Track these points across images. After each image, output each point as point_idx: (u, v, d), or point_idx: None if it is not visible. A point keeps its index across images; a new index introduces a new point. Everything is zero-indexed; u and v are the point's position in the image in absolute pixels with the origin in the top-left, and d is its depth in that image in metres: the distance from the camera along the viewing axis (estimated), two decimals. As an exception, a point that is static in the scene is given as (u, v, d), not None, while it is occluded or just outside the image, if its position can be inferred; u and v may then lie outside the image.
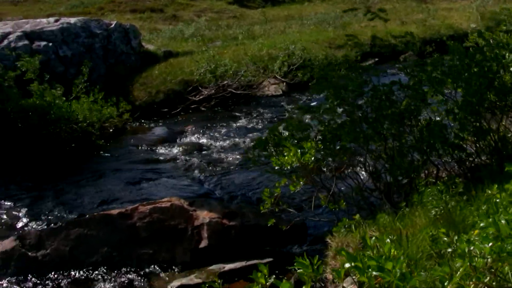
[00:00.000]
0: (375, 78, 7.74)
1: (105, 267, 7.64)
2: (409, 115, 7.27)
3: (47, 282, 7.46)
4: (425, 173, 7.37)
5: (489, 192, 5.12)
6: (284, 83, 17.47)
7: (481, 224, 3.58)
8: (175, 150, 12.55)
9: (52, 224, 8.90)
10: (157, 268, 7.65)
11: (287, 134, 7.39)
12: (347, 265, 3.13)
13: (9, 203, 9.90)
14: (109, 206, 9.54)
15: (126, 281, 7.43)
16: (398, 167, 6.96)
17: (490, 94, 7.19)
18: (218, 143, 12.89)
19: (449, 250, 3.72)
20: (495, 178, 5.95)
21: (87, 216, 8.53)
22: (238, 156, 11.84)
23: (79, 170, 11.62)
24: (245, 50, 18.95)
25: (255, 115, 15.12)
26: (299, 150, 6.64)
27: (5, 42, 14.99)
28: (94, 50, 16.72)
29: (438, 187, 5.81)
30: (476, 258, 3.33)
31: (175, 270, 7.63)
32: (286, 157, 6.67)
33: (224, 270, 7.45)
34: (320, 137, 7.36)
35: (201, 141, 13.17)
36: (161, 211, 8.12)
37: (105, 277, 7.52)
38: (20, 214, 9.46)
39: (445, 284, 3.17)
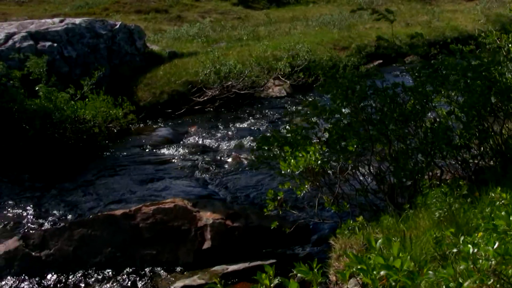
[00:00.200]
0: (380, 81, 7.73)
1: (109, 268, 7.64)
2: (414, 117, 7.26)
3: (50, 282, 7.46)
4: (429, 175, 7.36)
5: (493, 194, 5.11)
6: (288, 84, 17.47)
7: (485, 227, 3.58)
8: (179, 151, 12.55)
9: (56, 224, 8.91)
10: (160, 269, 7.65)
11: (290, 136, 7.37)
12: (353, 266, 3.12)
13: (13, 203, 9.91)
14: (113, 207, 9.53)
15: (129, 282, 7.43)
16: (402, 169, 6.95)
17: (492, 97, 7.18)
18: (222, 144, 12.88)
19: (455, 250, 3.71)
20: (499, 180, 5.95)
21: (91, 216, 8.54)
22: (242, 157, 11.83)
23: (83, 170, 11.62)
24: (249, 51, 18.96)
25: (259, 116, 15.12)
26: (307, 155, 6.64)
27: (10, 42, 15.01)
28: (99, 50, 16.74)
29: (442, 189, 5.81)
30: (480, 261, 3.33)
31: (178, 271, 7.62)
32: (293, 161, 6.67)
33: (227, 271, 7.45)
34: (326, 135, 7.35)
35: (205, 142, 13.17)
36: (164, 212, 8.12)
37: (109, 277, 7.52)
38: (24, 214, 9.47)
39: (450, 286, 3.16)
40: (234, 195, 10.07)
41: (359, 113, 7.34)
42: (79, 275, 7.57)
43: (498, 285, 3.31)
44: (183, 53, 19.38)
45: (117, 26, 17.87)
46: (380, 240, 3.43)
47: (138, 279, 7.48)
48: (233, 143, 12.90)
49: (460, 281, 3.20)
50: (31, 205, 9.80)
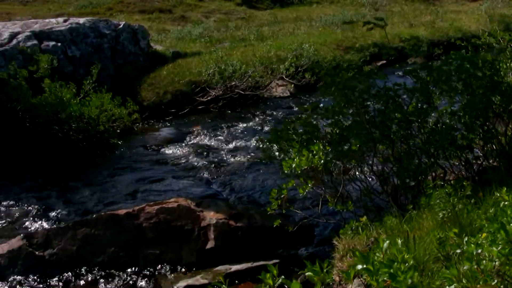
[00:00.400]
0: (381, 82, 7.72)
1: (112, 267, 7.64)
2: (417, 117, 7.26)
3: (53, 281, 7.47)
4: (432, 176, 7.36)
5: (497, 195, 5.11)
6: (292, 85, 17.46)
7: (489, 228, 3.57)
8: (182, 151, 12.56)
9: (59, 224, 8.92)
10: (163, 269, 7.65)
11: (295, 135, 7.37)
12: (359, 266, 3.12)
13: (16, 202, 9.93)
14: (116, 206, 9.54)
15: (132, 281, 7.44)
16: (405, 169, 6.94)
17: (496, 98, 7.17)
18: (225, 144, 12.89)
19: (458, 251, 3.71)
20: (503, 181, 5.94)
21: (94, 216, 8.53)
22: (245, 157, 11.84)
23: (87, 169, 11.64)
24: (253, 51, 18.95)
25: (262, 116, 15.12)
26: (310, 154, 6.64)
27: (14, 41, 15.03)
28: (103, 50, 16.76)
29: (446, 190, 5.80)
30: (484, 261, 3.32)
31: (181, 271, 7.63)
32: (296, 160, 6.67)
33: (230, 271, 7.45)
34: (329, 137, 7.35)
35: (208, 142, 13.17)
36: (168, 212, 8.12)
37: (112, 277, 7.53)
38: (28, 213, 9.49)
39: (453, 286, 3.16)
40: (238, 195, 10.07)
41: (360, 114, 7.34)
42: (83, 274, 7.57)
43: (502, 286, 3.31)
44: (186, 53, 19.39)
45: (121, 26, 17.88)
46: (386, 242, 3.43)
47: (141, 278, 7.49)
48: (236, 143, 12.90)
49: (464, 281, 3.20)
50: (35, 204, 9.82)
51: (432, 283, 3.46)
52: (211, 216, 8.06)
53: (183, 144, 13.07)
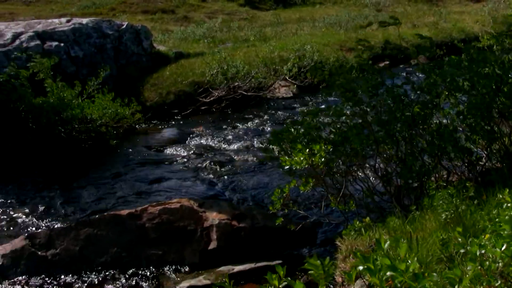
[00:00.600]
0: (388, 81, 7.73)
1: (114, 267, 7.65)
2: (421, 118, 7.25)
3: (56, 281, 7.47)
4: (435, 177, 7.35)
5: (500, 196, 5.10)
6: (295, 85, 17.47)
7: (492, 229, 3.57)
8: (185, 151, 12.55)
9: (62, 224, 8.93)
10: (166, 269, 7.66)
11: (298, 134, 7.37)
12: (360, 267, 3.11)
13: (19, 202, 9.94)
14: (119, 207, 9.55)
15: (135, 282, 7.44)
16: (409, 170, 6.94)
17: (500, 98, 7.16)
18: (228, 145, 12.89)
19: (462, 251, 3.70)
20: (506, 182, 5.93)
21: (97, 216, 8.54)
22: (248, 158, 11.83)
23: (89, 170, 11.64)
24: (256, 52, 18.96)
25: (265, 117, 15.12)
26: (307, 150, 6.63)
27: (17, 42, 15.05)
28: (106, 50, 16.77)
29: (449, 191, 5.80)
30: (487, 262, 3.32)
31: (184, 271, 7.63)
32: (296, 158, 6.67)
33: (233, 271, 7.45)
34: (332, 137, 7.34)
35: (211, 142, 13.17)
36: (170, 212, 8.12)
37: (114, 277, 7.53)
38: (30, 213, 9.49)
39: (456, 287, 3.16)
40: (240, 195, 10.07)
41: (363, 115, 7.33)
42: (85, 274, 7.58)
43: (505, 287, 3.31)
44: (189, 53, 19.40)
45: (124, 26, 17.90)
46: (388, 242, 3.43)
47: (143, 279, 7.49)
48: (239, 143, 12.90)
49: (467, 282, 3.19)
50: (38, 205, 9.82)
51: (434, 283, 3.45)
52: (213, 217, 8.06)
53: (186, 145, 13.07)
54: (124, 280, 7.46)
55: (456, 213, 5.50)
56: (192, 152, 12.48)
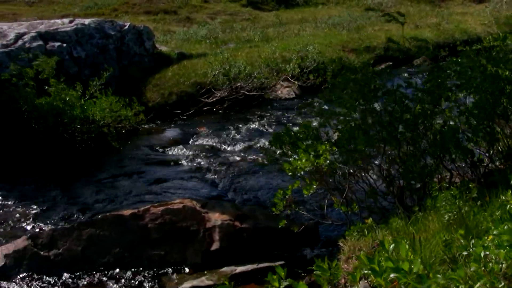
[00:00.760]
0: (389, 82, 7.72)
1: (117, 268, 7.65)
2: (423, 119, 7.24)
3: (59, 281, 7.48)
4: (438, 178, 7.34)
5: (503, 197, 5.09)
6: (297, 86, 17.46)
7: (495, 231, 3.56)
8: (187, 152, 12.55)
9: (65, 224, 8.93)
10: (168, 269, 7.66)
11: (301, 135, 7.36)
12: (364, 269, 3.11)
13: (22, 203, 9.94)
14: (121, 207, 9.55)
15: (137, 282, 7.44)
16: (411, 171, 6.93)
17: (503, 99, 7.15)
18: (230, 145, 12.89)
19: (465, 253, 3.70)
20: (509, 183, 5.92)
21: (99, 216, 8.55)
22: (250, 159, 11.84)
23: (92, 170, 11.65)
24: (258, 53, 18.96)
25: (268, 117, 15.12)
26: (312, 153, 6.63)
27: (20, 42, 15.04)
28: (108, 51, 16.76)
29: (452, 192, 5.79)
30: (490, 264, 3.31)
31: (186, 272, 7.63)
32: (299, 162, 6.67)
33: (235, 272, 7.44)
34: (337, 135, 7.33)
35: (213, 143, 13.17)
36: (173, 213, 8.12)
37: (117, 277, 7.54)
38: (33, 214, 9.50)
39: (459, 288, 3.15)
40: (243, 196, 10.07)
41: (367, 115, 7.33)
42: (88, 274, 7.59)
43: (508, 289, 3.30)
44: (192, 54, 19.39)
45: (126, 27, 17.90)
46: (392, 245, 3.42)
47: (146, 279, 7.49)
48: (241, 144, 12.90)
49: (471, 283, 3.19)
50: (40, 205, 9.83)
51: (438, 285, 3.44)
52: (216, 217, 8.06)
53: (188, 145, 13.07)
54: (126, 281, 7.46)
55: (459, 214, 5.49)
56: (194, 152, 12.48)
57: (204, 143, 13.24)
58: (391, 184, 7.36)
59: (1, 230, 9.04)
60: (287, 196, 7.03)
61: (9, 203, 9.98)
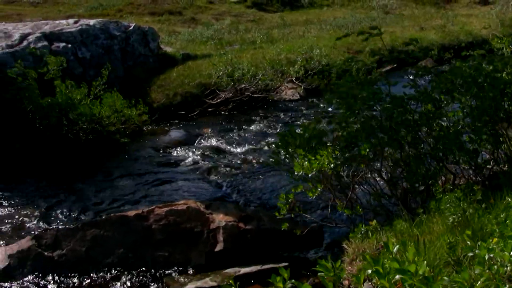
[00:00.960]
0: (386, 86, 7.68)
1: (120, 268, 7.65)
2: (425, 122, 7.23)
3: (63, 282, 7.48)
4: (442, 180, 7.32)
5: (508, 200, 5.08)
6: (302, 88, 17.46)
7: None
8: (192, 153, 12.56)
9: (69, 225, 8.94)
10: (172, 271, 7.65)
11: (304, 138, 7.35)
12: (369, 270, 3.10)
13: (26, 203, 9.96)
14: (125, 208, 9.57)
15: (141, 283, 7.44)
16: (414, 174, 6.92)
17: (505, 102, 7.14)
18: (235, 147, 12.89)
19: (470, 254, 3.69)
20: (514, 186, 5.91)
21: (103, 217, 8.56)
22: (255, 160, 11.84)
23: (96, 171, 11.66)
24: (263, 54, 18.95)
25: (272, 119, 15.12)
26: (316, 156, 6.63)
27: (25, 43, 15.05)
28: (113, 52, 16.77)
29: (456, 194, 5.78)
30: (495, 266, 3.30)
31: (190, 273, 7.62)
32: (306, 163, 6.66)
33: (239, 273, 7.44)
34: (342, 137, 7.32)
35: (218, 144, 13.17)
36: (177, 214, 8.12)
37: (120, 278, 7.54)
38: (37, 214, 9.51)
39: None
40: (247, 197, 10.07)
41: (366, 121, 7.31)
42: (91, 275, 7.59)
43: (513, 291, 3.29)
44: (196, 55, 19.40)
45: (131, 27, 17.91)
46: (397, 246, 3.42)
47: (149, 280, 7.49)
48: (245, 145, 12.90)
49: (475, 286, 3.18)
50: (44, 205, 9.85)
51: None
52: (220, 219, 8.06)
53: (193, 146, 13.08)
54: (129, 281, 7.46)
55: (463, 217, 5.48)
56: (199, 153, 12.49)
57: (209, 144, 13.25)
58: (395, 187, 7.35)
59: (5, 230, 9.05)
60: (290, 200, 7.02)
61: (13, 203, 9.99)
